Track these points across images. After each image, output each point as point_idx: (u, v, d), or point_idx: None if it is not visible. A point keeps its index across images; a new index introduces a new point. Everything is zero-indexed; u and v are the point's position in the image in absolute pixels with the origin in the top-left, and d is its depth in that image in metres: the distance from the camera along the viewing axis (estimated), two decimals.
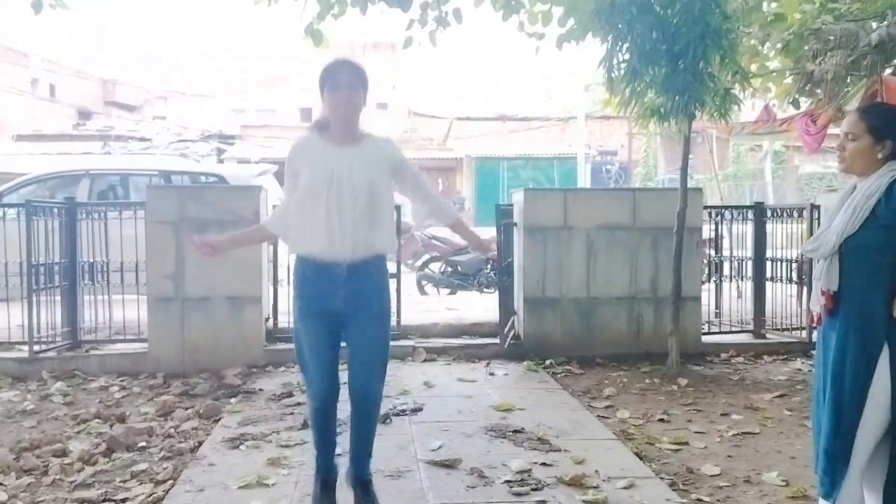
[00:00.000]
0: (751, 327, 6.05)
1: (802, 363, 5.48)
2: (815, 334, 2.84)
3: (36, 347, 5.07)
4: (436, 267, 9.32)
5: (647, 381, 4.96)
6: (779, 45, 6.87)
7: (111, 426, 3.97)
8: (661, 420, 4.08)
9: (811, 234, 5.65)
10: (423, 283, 9.17)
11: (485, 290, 8.90)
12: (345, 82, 2.59)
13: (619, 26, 4.68)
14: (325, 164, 2.57)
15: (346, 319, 2.63)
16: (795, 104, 7.04)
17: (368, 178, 2.57)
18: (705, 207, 5.85)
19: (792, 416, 4.17)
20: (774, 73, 6.77)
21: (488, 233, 9.98)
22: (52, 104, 32.23)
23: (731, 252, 6.20)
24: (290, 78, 32.19)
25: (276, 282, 5.65)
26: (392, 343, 5.55)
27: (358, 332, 2.65)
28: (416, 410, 4.10)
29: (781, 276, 5.95)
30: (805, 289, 5.66)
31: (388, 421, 3.89)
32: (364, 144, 2.66)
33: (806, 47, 6.44)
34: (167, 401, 4.34)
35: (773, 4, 6.08)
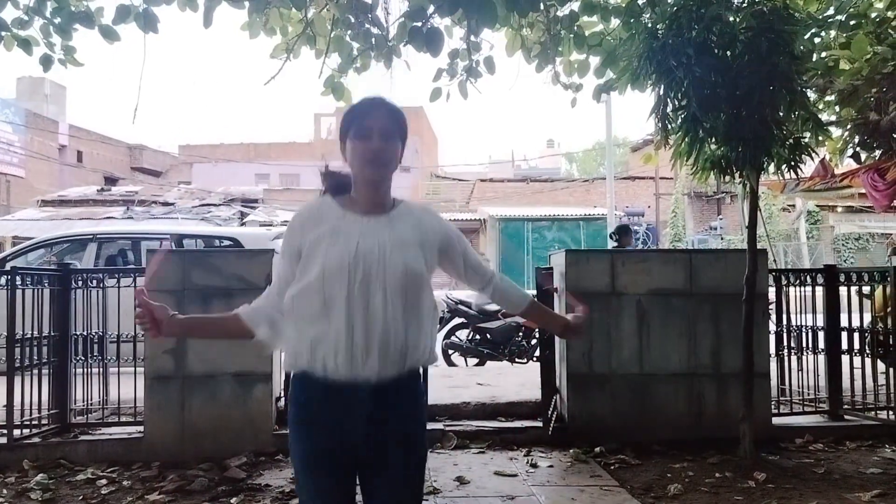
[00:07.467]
0: (825, 406, 5.31)
1: (893, 451, 4.72)
2: None
3: (17, 432, 4.49)
4: (463, 334, 8.62)
5: (716, 474, 4.23)
6: (833, 96, 6.35)
7: None
8: None
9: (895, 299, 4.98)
10: (450, 352, 8.47)
11: (516, 360, 8.22)
12: (378, 129, 1.85)
13: (675, 70, 4.15)
14: (347, 243, 1.81)
15: (365, 465, 1.86)
16: (856, 158, 6.45)
17: (404, 262, 1.82)
18: (770, 271, 5.19)
19: None
20: (832, 124, 6.19)
21: None
22: (78, 170, 32.66)
23: (797, 320, 5.47)
24: (314, 145, 32.39)
25: None
26: None
27: (384, 485, 1.85)
28: None
29: (854, 347, 5.26)
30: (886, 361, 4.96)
31: None
32: (397, 215, 1.92)
33: (867, 95, 5.91)
34: (156, 502, 3.71)
35: (834, 50, 5.53)
